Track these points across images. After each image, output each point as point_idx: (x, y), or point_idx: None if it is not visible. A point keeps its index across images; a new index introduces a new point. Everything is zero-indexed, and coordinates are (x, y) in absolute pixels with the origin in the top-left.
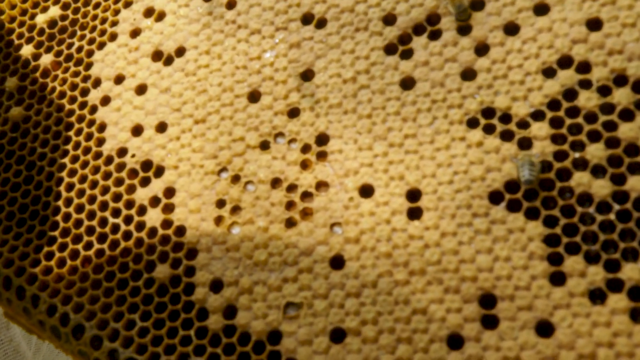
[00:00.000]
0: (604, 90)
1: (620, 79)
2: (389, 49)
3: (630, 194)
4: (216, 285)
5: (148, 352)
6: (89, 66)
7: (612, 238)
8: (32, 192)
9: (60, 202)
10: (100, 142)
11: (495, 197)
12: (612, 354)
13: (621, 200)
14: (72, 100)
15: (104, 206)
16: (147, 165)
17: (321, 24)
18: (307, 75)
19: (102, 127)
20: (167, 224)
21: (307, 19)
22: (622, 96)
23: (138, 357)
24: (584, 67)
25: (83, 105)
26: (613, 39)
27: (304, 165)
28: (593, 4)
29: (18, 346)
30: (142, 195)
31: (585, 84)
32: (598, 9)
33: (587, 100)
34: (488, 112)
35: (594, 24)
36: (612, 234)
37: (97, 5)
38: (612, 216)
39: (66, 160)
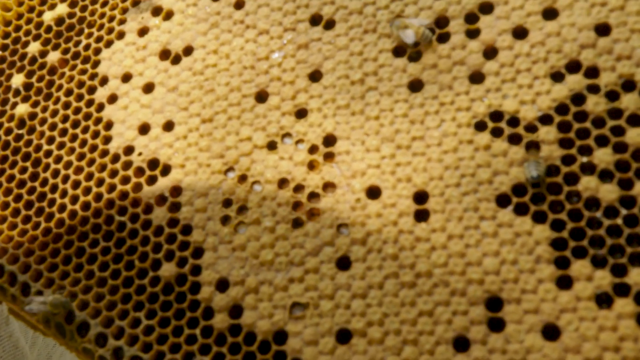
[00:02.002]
0: (612, 95)
1: (629, 84)
2: (397, 52)
3: (637, 199)
4: (222, 285)
5: (153, 350)
6: (96, 64)
7: (619, 243)
8: (38, 189)
9: (66, 200)
10: (107, 140)
11: (502, 200)
12: (619, 358)
13: (628, 205)
14: (79, 97)
15: (110, 204)
16: (153, 163)
17: (329, 25)
18: (315, 77)
19: (108, 125)
20: (173, 222)
21: (315, 20)
22: (630, 101)
23: (143, 355)
24: (592, 72)
25: (90, 103)
26: (621, 45)
27: (311, 166)
28: (602, 9)
29: (17, 341)
30: (148, 193)
31: (594, 89)
32: (607, 14)
33: (595, 105)
34: (496, 116)
35: (603, 29)
36: (619, 238)
37: (105, 4)
38: (619, 221)
39: (72, 157)
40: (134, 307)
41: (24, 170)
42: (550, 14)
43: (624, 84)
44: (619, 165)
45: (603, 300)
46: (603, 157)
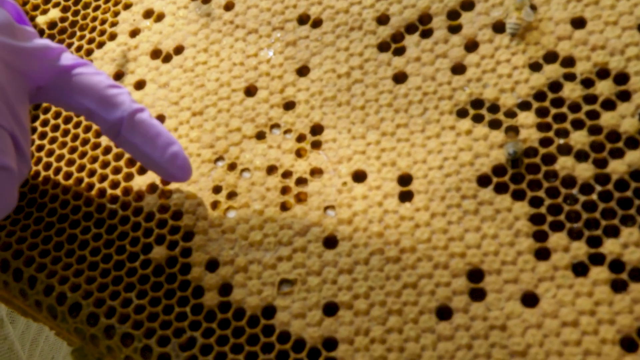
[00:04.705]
0: (587, 83)
1: (603, 72)
2: (382, 47)
3: (611, 176)
4: (212, 265)
5: (144, 327)
6: None
7: (594, 216)
8: (30, 181)
9: (57, 190)
10: (99, 133)
11: (483, 181)
12: (594, 321)
13: (603, 182)
14: None
15: (101, 193)
16: None
17: (317, 23)
18: (302, 72)
19: None
20: (164, 208)
21: (303, 20)
22: (604, 87)
23: (134, 332)
24: (569, 61)
25: None
26: (596, 36)
27: (299, 153)
28: (577, 4)
29: (12, 345)
30: (139, 182)
31: (570, 77)
32: (582, 8)
33: (572, 91)
34: (477, 103)
35: (578, 23)
36: (594, 212)
37: (96, 8)
38: (594, 197)
39: (64, 151)
40: (124, 288)
41: None
42: None
43: (599, 72)
44: (594, 146)
45: (579, 269)
46: (579, 138)
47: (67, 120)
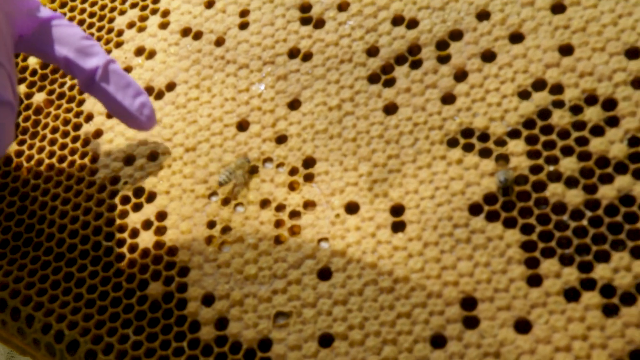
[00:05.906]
0: (576, 109)
1: (591, 99)
2: (373, 79)
3: (601, 202)
4: (208, 300)
5: None
6: (81, 103)
7: (585, 242)
8: (26, 220)
9: (53, 229)
10: (93, 172)
11: (474, 209)
12: (587, 345)
13: (593, 208)
14: (65, 134)
15: (97, 231)
16: (139, 191)
17: (307, 57)
18: (293, 105)
19: (94, 159)
20: (159, 245)
21: (293, 53)
22: (593, 114)
23: None
24: (557, 88)
25: (75, 139)
26: (584, 63)
27: (292, 187)
28: (565, 31)
29: None
30: (134, 219)
31: (559, 104)
32: (569, 35)
33: (560, 118)
34: (467, 132)
35: (566, 50)
36: (585, 238)
37: None
38: (585, 222)
39: (59, 190)
40: (122, 325)
41: (11, 204)
42: (516, 38)
43: (587, 99)
44: (583, 172)
45: (571, 295)
46: (569, 165)
47: (62, 159)
